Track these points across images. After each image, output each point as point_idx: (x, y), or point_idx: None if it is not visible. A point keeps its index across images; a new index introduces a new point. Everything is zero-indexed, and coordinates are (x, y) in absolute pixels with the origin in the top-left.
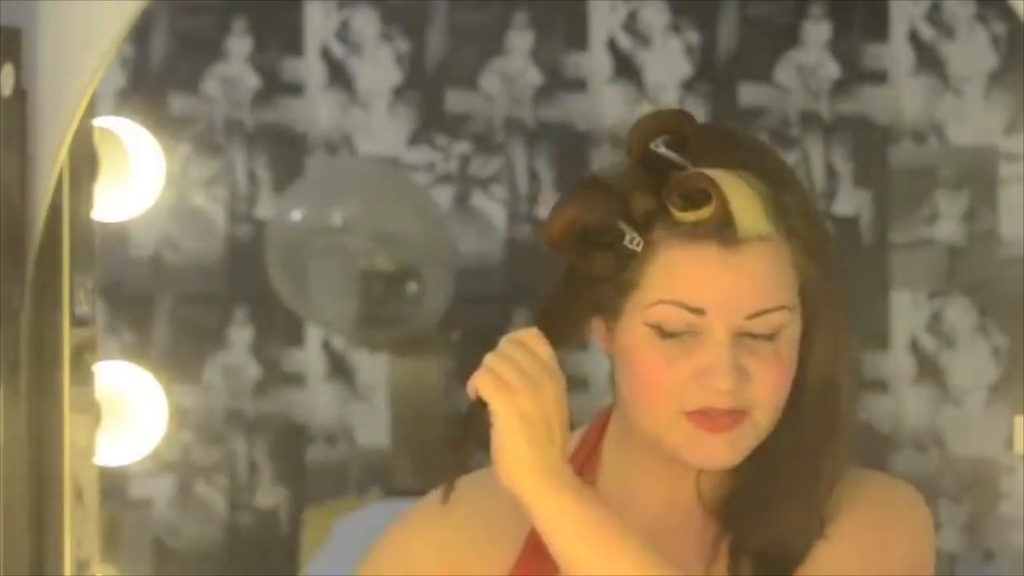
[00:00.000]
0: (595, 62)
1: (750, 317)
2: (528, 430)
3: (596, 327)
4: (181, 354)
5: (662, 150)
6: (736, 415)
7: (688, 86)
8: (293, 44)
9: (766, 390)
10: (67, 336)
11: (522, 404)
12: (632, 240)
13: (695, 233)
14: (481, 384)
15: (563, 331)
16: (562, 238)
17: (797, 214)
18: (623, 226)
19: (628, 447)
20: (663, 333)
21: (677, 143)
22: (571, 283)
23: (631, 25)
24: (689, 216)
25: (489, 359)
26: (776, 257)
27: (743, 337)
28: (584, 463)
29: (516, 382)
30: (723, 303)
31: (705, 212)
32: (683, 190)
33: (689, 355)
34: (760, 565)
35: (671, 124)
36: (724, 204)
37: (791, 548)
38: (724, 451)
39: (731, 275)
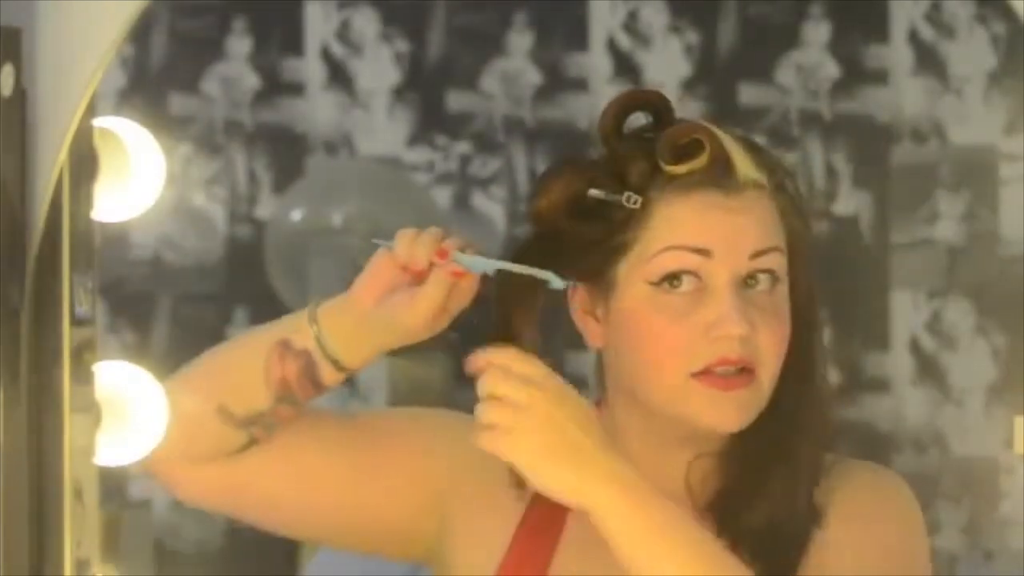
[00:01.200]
0: (595, 62)
1: (753, 256)
2: (545, 454)
3: (586, 323)
4: (181, 354)
5: (644, 133)
6: (746, 375)
7: (688, 86)
8: (293, 44)
9: (769, 344)
10: (67, 336)
11: (525, 438)
12: (630, 199)
13: (692, 183)
14: (483, 442)
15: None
16: (552, 208)
17: (780, 170)
18: (612, 192)
19: (618, 441)
20: (665, 289)
21: (651, 120)
22: (549, 256)
23: (631, 25)
24: (684, 167)
25: (479, 412)
26: (769, 206)
27: (744, 288)
28: None
29: (509, 421)
30: (727, 243)
31: (702, 159)
32: (675, 143)
33: (694, 311)
34: (756, 557)
35: (638, 101)
36: (719, 150)
37: (783, 533)
38: (735, 412)
39: (733, 217)
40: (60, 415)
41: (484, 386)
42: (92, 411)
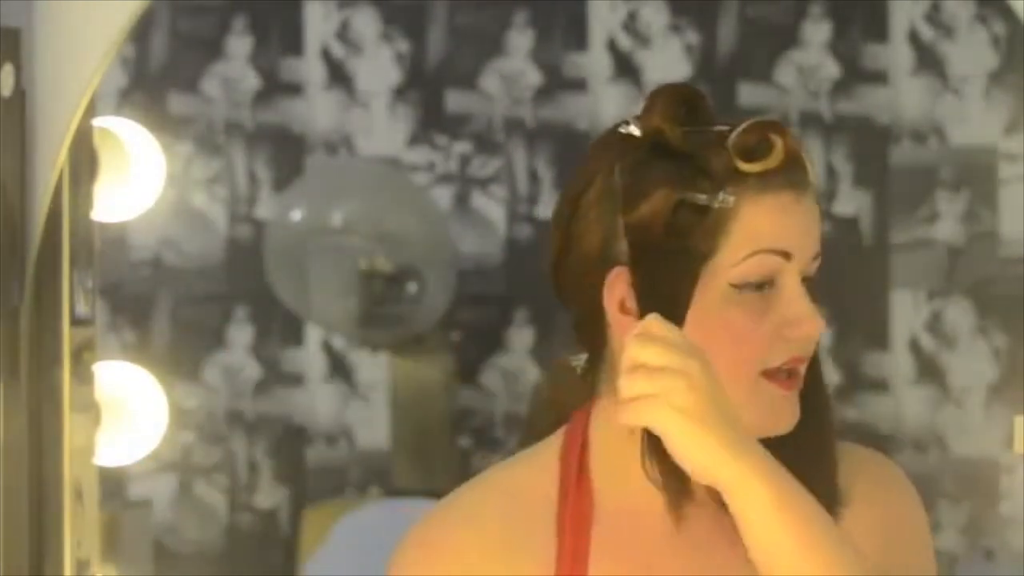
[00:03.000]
0: (595, 62)
1: (814, 258)
2: (694, 421)
3: (620, 319)
4: (181, 354)
5: (695, 129)
6: (796, 375)
7: None
8: (293, 44)
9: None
10: (67, 336)
11: (674, 401)
12: (722, 199)
13: (767, 183)
14: (627, 416)
15: (675, 313)
16: (657, 219)
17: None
18: (702, 193)
19: (621, 435)
20: (747, 289)
21: (692, 115)
22: (657, 267)
23: (631, 25)
24: (759, 166)
25: (621, 383)
26: (816, 207)
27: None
28: (578, 456)
29: (653, 387)
30: (802, 243)
31: (776, 158)
32: (750, 141)
33: (770, 309)
34: None
35: (685, 97)
36: (793, 149)
37: None
38: (792, 412)
39: (804, 217)
40: (60, 415)
41: (627, 356)
42: (92, 411)
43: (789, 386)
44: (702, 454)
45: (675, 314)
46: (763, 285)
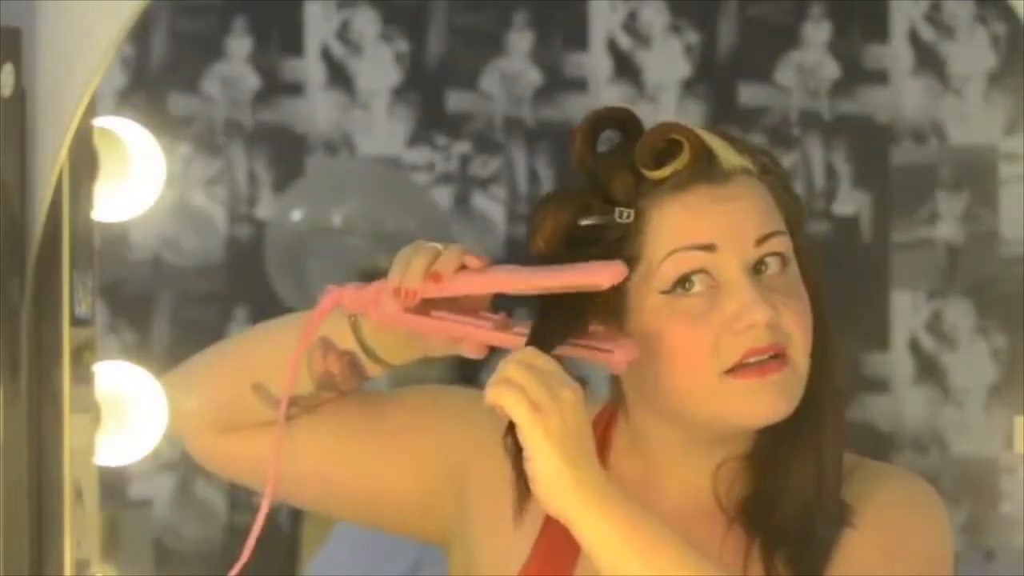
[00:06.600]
0: (595, 62)
1: (759, 242)
2: (560, 449)
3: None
4: (181, 354)
5: (618, 149)
6: (779, 360)
7: (688, 86)
8: (293, 44)
9: (796, 323)
10: (67, 336)
11: (550, 424)
12: (621, 214)
13: (680, 183)
14: (505, 400)
15: (559, 342)
16: (550, 242)
17: (760, 153)
18: (601, 214)
19: (641, 452)
20: (679, 294)
21: (620, 135)
22: (566, 296)
23: (631, 25)
24: (667, 170)
25: (507, 370)
26: (760, 190)
27: (756, 275)
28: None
29: (542, 400)
30: (730, 233)
31: (683, 158)
32: (653, 148)
33: (713, 308)
34: (791, 559)
35: (606, 119)
36: (699, 145)
37: (814, 532)
38: (774, 399)
39: (729, 206)
40: (60, 415)
41: (508, 365)
42: (92, 411)
43: (766, 372)
44: (555, 480)
45: (568, 331)
46: (689, 284)
